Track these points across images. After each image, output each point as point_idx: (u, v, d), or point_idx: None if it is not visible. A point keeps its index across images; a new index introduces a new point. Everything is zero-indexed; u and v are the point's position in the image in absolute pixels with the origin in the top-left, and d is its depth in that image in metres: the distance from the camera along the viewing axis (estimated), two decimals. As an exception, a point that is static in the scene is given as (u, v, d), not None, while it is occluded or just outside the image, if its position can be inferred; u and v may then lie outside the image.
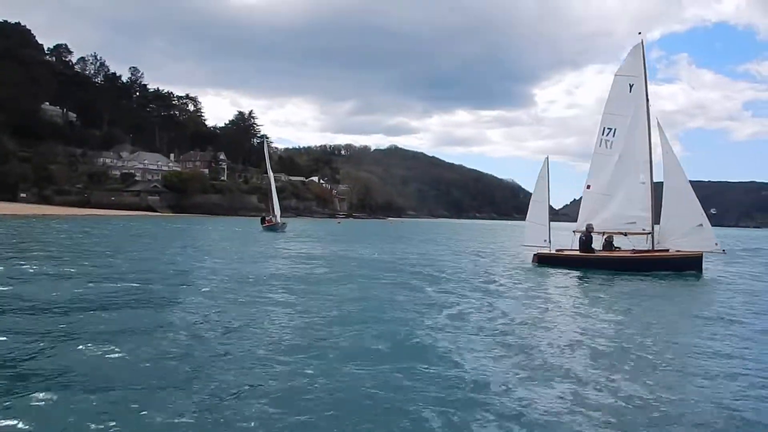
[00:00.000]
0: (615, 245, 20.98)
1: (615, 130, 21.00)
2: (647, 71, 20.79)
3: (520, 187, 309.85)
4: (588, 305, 12.87)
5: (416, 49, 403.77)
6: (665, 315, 11.88)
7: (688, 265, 19.84)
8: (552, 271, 19.81)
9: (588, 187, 21.56)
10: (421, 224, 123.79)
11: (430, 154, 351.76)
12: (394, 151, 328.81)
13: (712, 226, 20.69)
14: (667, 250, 20.14)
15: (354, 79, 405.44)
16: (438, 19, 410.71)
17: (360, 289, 13.78)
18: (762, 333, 10.11)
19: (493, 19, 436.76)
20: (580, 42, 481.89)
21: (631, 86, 20.84)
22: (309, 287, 13.97)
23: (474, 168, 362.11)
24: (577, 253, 20.94)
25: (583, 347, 8.41)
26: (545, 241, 21.45)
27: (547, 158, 21.39)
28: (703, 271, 20.01)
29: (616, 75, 21.34)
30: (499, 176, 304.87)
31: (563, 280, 17.83)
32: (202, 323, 9.10)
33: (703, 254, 19.99)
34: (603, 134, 21.29)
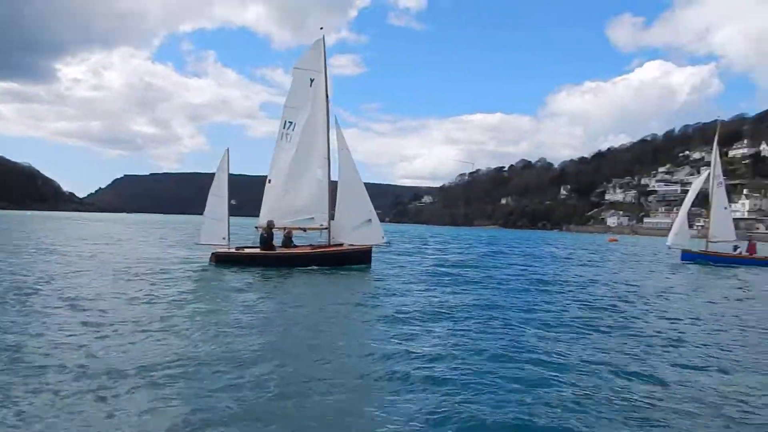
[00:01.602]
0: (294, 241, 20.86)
1: (295, 124, 20.75)
2: (327, 67, 20.94)
3: (39, 172, 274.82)
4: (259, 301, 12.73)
5: None
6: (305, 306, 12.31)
7: (360, 259, 20.72)
8: (230, 271, 18.57)
9: (269, 181, 20.96)
10: None
11: None
12: None
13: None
14: (342, 245, 20.72)
15: None
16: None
17: None
18: (383, 319, 11.10)
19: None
20: (113, 20, 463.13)
21: (311, 81, 20.77)
22: None
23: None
24: (257, 250, 20.15)
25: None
26: (224, 238, 20.09)
27: (228, 150, 19.98)
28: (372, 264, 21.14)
29: (295, 68, 21.12)
30: (13, 159, 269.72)
31: (242, 278, 16.88)
32: None
33: (372, 247, 21.09)
34: (284, 128, 20.92)
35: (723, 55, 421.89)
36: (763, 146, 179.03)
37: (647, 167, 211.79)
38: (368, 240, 20.82)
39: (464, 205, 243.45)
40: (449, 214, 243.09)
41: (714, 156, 34.44)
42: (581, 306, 13.61)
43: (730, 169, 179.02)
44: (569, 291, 16.57)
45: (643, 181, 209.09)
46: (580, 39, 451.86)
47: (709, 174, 34.33)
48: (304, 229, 21.09)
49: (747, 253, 33.42)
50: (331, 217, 20.94)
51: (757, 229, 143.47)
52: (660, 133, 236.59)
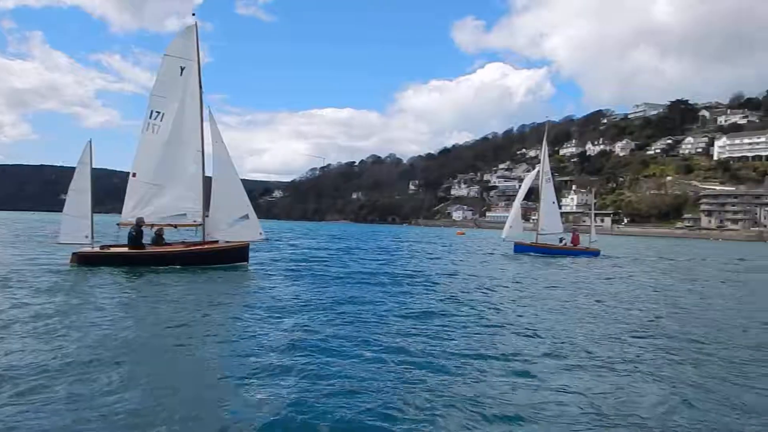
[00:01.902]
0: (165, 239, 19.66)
1: (163, 114, 19.47)
2: (200, 55, 19.79)
3: None
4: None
5: None
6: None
7: (236, 257, 19.99)
8: (94, 272, 17.06)
9: (133, 175, 19.48)
10: None
11: None
12: None
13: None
14: (217, 242, 19.86)
15: None
16: None
17: None
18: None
19: None
20: None
21: (182, 69, 19.59)
22: None
23: None
24: (126, 249, 18.76)
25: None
26: (87, 237, 18.46)
27: (90, 141, 18.34)
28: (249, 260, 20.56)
29: (165, 55, 19.72)
30: None
31: (109, 279, 15.68)
32: None
33: (249, 244, 20.43)
34: (151, 117, 19.48)
35: (554, 60, 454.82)
36: (588, 146, 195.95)
37: (489, 164, 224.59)
38: (245, 236, 20.09)
39: (315, 200, 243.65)
40: (300, 209, 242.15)
41: (543, 154, 36.90)
42: (427, 298, 14.38)
43: (561, 166, 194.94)
44: (418, 284, 17.28)
45: (486, 177, 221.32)
46: (427, 38, 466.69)
47: (538, 170, 36.67)
48: (176, 226, 19.90)
49: (571, 244, 36.12)
50: (206, 213, 19.95)
51: (584, 222, 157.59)
52: (500, 131, 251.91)
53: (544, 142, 37.41)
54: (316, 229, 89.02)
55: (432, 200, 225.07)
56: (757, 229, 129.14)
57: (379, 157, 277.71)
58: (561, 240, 36.19)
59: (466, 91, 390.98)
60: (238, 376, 6.93)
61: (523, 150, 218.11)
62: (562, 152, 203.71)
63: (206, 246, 19.56)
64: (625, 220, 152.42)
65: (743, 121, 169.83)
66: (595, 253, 35.60)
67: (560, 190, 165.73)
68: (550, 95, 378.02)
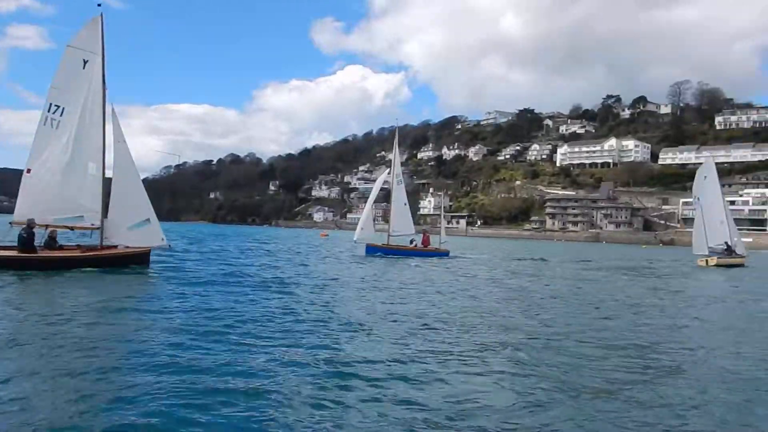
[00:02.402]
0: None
1: (64, 109, 18.36)
2: (105, 50, 18.86)
3: None
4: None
5: None
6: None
7: (137, 262, 19.26)
8: None
9: (28, 171, 18.19)
10: None
11: None
12: None
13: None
14: (116, 246, 19.02)
15: None
16: None
17: None
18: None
19: None
20: None
21: (85, 62, 18.58)
22: None
23: None
24: (16, 253, 17.46)
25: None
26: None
27: None
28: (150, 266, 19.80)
29: (68, 46, 18.58)
30: None
31: None
32: None
33: (151, 249, 19.79)
34: (49, 111, 18.28)
35: (411, 66, 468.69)
36: (444, 150, 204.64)
37: (349, 165, 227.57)
38: (145, 242, 19.38)
39: (170, 199, 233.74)
40: (154, 208, 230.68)
41: (394, 157, 37.26)
42: (282, 300, 14.16)
43: (419, 169, 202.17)
44: (275, 287, 16.75)
45: (346, 178, 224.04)
46: (287, 37, 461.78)
47: (389, 172, 37.25)
48: (71, 228, 18.78)
49: (422, 245, 36.49)
50: (104, 216, 18.97)
51: (440, 223, 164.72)
52: (360, 133, 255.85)
53: (395, 145, 37.58)
54: (169, 230, 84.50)
55: (293, 201, 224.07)
56: (594, 230, 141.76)
57: (238, 156, 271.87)
58: (411, 241, 36.28)
59: (326, 91, 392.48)
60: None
61: (383, 153, 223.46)
62: (420, 156, 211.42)
63: (105, 251, 18.64)
64: (479, 222, 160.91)
65: (582, 131, 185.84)
66: (444, 254, 36.39)
67: (418, 193, 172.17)
68: (408, 99, 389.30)
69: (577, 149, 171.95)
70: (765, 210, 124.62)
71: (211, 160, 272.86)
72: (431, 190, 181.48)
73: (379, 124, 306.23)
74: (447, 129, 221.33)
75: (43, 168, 18.21)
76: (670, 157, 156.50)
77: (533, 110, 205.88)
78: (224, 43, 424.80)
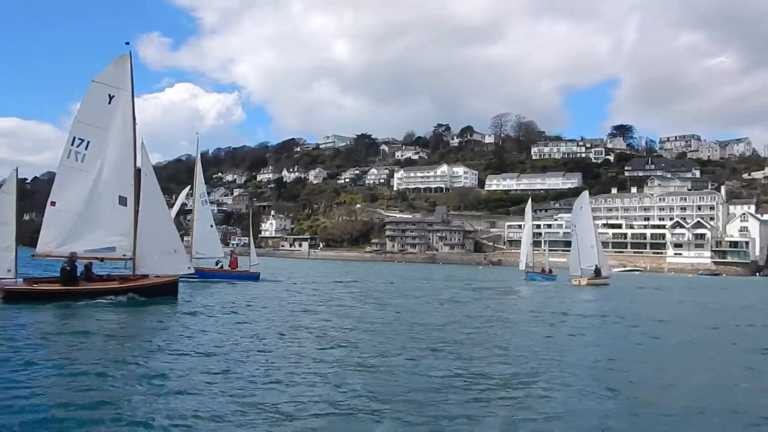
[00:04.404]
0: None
1: (89, 142, 18.62)
2: (134, 86, 19.36)
3: None
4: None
5: None
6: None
7: (168, 291, 19.92)
8: (24, 308, 15.70)
9: (53, 203, 18.24)
10: None
11: None
12: None
13: None
14: (147, 276, 19.52)
15: None
16: None
17: None
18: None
19: None
20: None
21: (111, 97, 18.96)
22: None
23: None
24: (59, 286, 17.55)
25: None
26: (9, 271, 16.89)
27: (17, 170, 16.85)
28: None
29: (93, 81, 18.83)
30: None
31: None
32: None
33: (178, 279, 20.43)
34: (73, 144, 18.48)
35: (244, 86, 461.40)
36: (284, 173, 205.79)
37: (183, 186, 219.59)
38: (174, 270, 20.01)
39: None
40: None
41: (195, 174, 34.23)
42: None
43: (259, 192, 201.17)
44: None
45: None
46: (110, 50, 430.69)
47: (189, 192, 35.57)
48: (102, 260, 19.01)
49: (230, 268, 34.91)
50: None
51: (282, 246, 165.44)
52: (193, 153, 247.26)
53: (197, 162, 34.46)
54: None
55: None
56: (430, 252, 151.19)
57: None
58: (218, 263, 34.55)
59: (154, 109, 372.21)
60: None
61: (220, 174, 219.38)
62: (259, 177, 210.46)
63: (142, 281, 19.14)
64: (321, 245, 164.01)
65: (416, 157, 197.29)
66: (254, 276, 34.99)
67: (259, 215, 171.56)
68: (242, 120, 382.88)
69: (412, 174, 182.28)
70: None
71: (25, 179, 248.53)
72: (272, 212, 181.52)
73: (213, 144, 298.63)
74: (285, 151, 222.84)
75: (70, 201, 18.35)
76: (495, 183, 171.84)
77: (370, 135, 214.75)
78: (39, 53, 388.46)
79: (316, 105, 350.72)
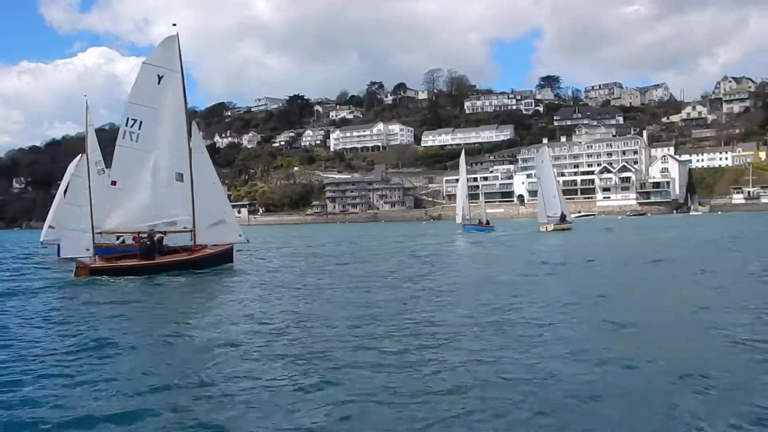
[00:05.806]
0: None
1: (141, 122, 19.30)
2: (184, 66, 19.99)
3: None
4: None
5: None
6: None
7: (226, 259, 21.12)
8: (108, 281, 17.02)
9: (113, 183, 18.99)
10: None
11: None
12: None
13: None
14: (206, 246, 20.58)
15: None
16: None
17: None
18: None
19: None
20: None
21: (160, 77, 19.57)
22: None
23: None
24: (136, 261, 18.55)
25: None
26: (88, 250, 17.78)
27: (84, 155, 17.46)
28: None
29: (144, 63, 19.46)
30: None
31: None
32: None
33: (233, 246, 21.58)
34: (127, 125, 19.15)
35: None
36: (216, 138, 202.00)
37: (109, 158, 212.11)
38: (228, 239, 21.14)
39: None
40: None
41: (87, 142, 30.66)
42: None
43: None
44: None
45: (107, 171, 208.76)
46: (11, 13, 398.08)
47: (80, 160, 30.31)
48: (164, 233, 19.95)
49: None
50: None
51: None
52: (116, 121, 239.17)
53: (89, 130, 28.50)
54: None
55: (46, 199, 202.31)
56: (372, 211, 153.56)
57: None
58: (118, 238, 26.66)
59: (66, 75, 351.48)
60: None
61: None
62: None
63: (205, 251, 20.21)
64: (261, 210, 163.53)
65: (351, 116, 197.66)
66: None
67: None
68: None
69: (348, 134, 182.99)
70: (511, 183, 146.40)
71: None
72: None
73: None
74: (216, 116, 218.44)
75: (129, 179, 19.12)
76: (431, 139, 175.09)
77: (303, 96, 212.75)
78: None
79: (242, 67, 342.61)
